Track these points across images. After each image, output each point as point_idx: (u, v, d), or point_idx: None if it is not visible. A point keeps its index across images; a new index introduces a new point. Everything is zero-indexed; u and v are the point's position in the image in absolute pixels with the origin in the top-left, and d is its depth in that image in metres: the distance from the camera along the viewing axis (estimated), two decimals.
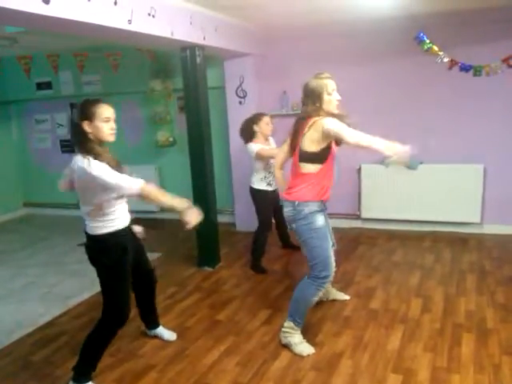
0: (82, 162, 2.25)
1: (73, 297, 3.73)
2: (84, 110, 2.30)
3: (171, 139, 5.62)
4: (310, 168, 2.62)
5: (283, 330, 2.83)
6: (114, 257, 2.42)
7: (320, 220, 2.66)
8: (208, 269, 4.20)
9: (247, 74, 4.95)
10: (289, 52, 5.04)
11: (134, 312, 2.79)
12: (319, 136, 2.53)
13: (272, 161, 3.73)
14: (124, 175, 2.30)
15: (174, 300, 3.61)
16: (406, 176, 4.82)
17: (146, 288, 2.85)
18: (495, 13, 4.07)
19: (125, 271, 2.48)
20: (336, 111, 2.61)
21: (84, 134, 2.30)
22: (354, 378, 2.51)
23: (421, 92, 4.69)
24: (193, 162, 4.08)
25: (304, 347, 2.77)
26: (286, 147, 2.80)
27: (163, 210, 5.92)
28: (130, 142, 5.86)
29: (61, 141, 6.30)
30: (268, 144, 3.99)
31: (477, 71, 4.47)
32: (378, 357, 2.69)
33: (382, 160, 4.92)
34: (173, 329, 3.09)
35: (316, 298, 2.75)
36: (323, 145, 2.56)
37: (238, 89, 5.00)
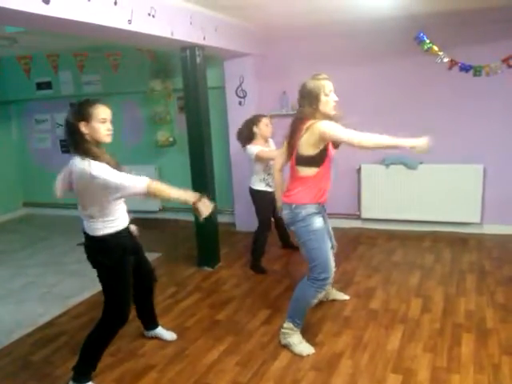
0: (81, 163, 2.23)
1: (72, 297, 3.73)
2: (80, 111, 2.28)
3: (171, 139, 5.62)
4: (307, 171, 2.62)
5: (282, 330, 2.83)
6: (115, 257, 2.42)
7: (317, 222, 2.65)
8: (208, 269, 4.20)
9: (247, 74, 4.95)
10: (289, 52, 5.04)
11: (134, 312, 2.80)
12: (315, 139, 2.52)
13: (272, 162, 3.74)
14: (127, 174, 2.28)
15: (173, 300, 3.61)
16: (406, 176, 4.83)
17: (145, 288, 2.84)
18: (495, 13, 4.08)
19: (126, 271, 2.49)
20: (333, 112, 2.59)
21: (80, 134, 2.27)
22: (353, 378, 2.51)
23: (421, 92, 4.69)
24: (193, 161, 4.08)
25: (304, 347, 2.77)
26: (284, 150, 2.80)
27: (164, 209, 5.94)
28: (130, 141, 5.86)
29: (61, 141, 6.29)
30: (268, 146, 3.99)
31: (477, 71, 4.47)
32: (377, 357, 2.69)
33: (383, 160, 4.96)
34: (172, 329, 3.09)
35: (315, 300, 2.74)
36: (320, 148, 2.55)
37: (237, 89, 5.00)
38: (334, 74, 4.93)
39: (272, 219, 4.13)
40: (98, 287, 2.50)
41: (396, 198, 4.91)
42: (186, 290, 3.79)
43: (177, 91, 5.35)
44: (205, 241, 4.23)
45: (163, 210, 5.96)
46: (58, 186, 2.48)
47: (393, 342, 2.83)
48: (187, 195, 2.46)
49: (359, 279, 3.80)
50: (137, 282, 2.72)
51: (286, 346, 2.80)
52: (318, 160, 2.58)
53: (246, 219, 5.08)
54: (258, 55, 5.02)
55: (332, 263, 2.70)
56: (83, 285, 3.85)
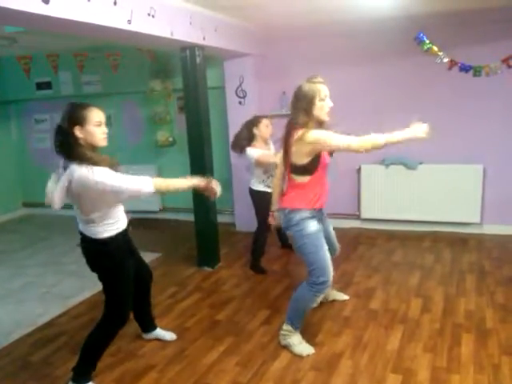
0: (80, 170, 2.15)
1: (72, 297, 3.72)
2: (74, 115, 2.22)
3: (171, 139, 5.62)
4: (301, 179, 2.61)
5: (282, 332, 2.83)
6: (116, 259, 2.42)
7: (312, 226, 2.63)
8: (208, 269, 4.20)
9: (247, 74, 4.95)
10: (289, 52, 5.04)
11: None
12: (307, 148, 2.50)
13: (272, 160, 3.74)
14: (131, 176, 2.24)
15: (173, 300, 3.61)
16: (406, 176, 4.83)
17: (142, 289, 2.82)
18: (495, 13, 4.08)
19: (128, 273, 2.49)
20: (327, 118, 2.56)
21: (75, 139, 2.21)
22: (353, 378, 2.51)
23: (420, 92, 4.69)
24: (192, 161, 4.07)
25: (303, 347, 2.77)
26: (282, 157, 2.78)
27: (164, 209, 5.94)
28: (130, 141, 5.86)
29: None
30: (268, 148, 3.98)
31: (476, 71, 4.47)
32: (377, 357, 2.69)
33: (382, 160, 4.96)
34: (172, 329, 3.09)
35: (314, 304, 2.73)
36: (312, 156, 2.53)
37: (237, 89, 5.00)
38: (334, 74, 4.94)
39: (271, 221, 4.13)
40: (98, 287, 2.51)
41: (396, 198, 4.91)
42: (186, 290, 3.79)
43: (177, 91, 5.35)
44: (205, 241, 4.23)
45: (163, 210, 5.96)
46: (56, 196, 2.26)
47: (393, 342, 2.83)
48: (194, 181, 2.45)
49: (359, 279, 3.80)
50: (136, 283, 2.72)
51: (286, 347, 2.80)
52: (310, 168, 2.57)
53: (245, 219, 5.08)
54: (258, 55, 5.02)
55: (331, 267, 2.65)
56: (83, 285, 3.85)
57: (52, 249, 4.99)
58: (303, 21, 4.25)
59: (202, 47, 3.86)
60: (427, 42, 4.47)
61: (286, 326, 2.81)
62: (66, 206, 2.31)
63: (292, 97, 2.60)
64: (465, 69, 4.49)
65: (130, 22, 2.89)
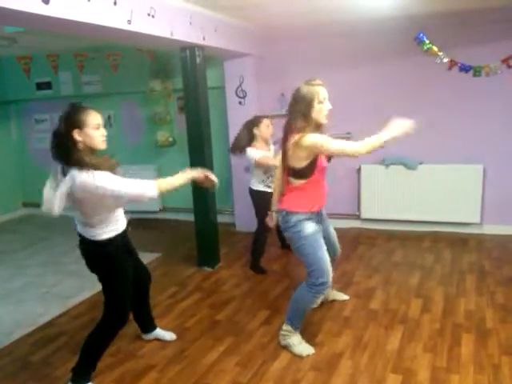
0: (81, 175, 2.13)
1: (72, 297, 3.73)
2: (73, 118, 2.20)
3: (171, 139, 5.62)
4: (298, 182, 2.62)
5: (281, 332, 2.83)
6: (115, 261, 2.42)
7: (309, 227, 2.63)
8: (208, 269, 4.20)
9: (247, 74, 4.95)
10: (289, 52, 5.04)
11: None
12: (304, 153, 2.50)
13: (271, 162, 3.75)
14: (133, 180, 2.23)
15: (173, 300, 3.61)
16: (406, 176, 4.83)
17: (140, 290, 2.82)
18: (495, 13, 4.08)
19: (127, 273, 2.49)
20: (325, 120, 2.56)
21: (73, 143, 2.19)
22: (353, 378, 2.51)
23: (420, 92, 4.69)
24: (192, 162, 4.07)
25: (303, 348, 2.77)
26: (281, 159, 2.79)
27: (164, 209, 5.94)
28: (130, 142, 5.86)
29: None
30: (268, 148, 3.98)
31: (476, 71, 4.47)
32: (377, 357, 2.69)
33: (382, 160, 4.96)
34: (172, 329, 3.09)
35: (314, 305, 2.73)
36: (308, 160, 2.53)
37: (237, 89, 5.00)
38: (334, 74, 4.95)
39: (269, 222, 4.12)
40: (98, 287, 2.51)
41: (396, 198, 4.91)
42: (186, 290, 3.79)
43: (177, 91, 5.35)
44: (205, 241, 4.23)
45: (163, 210, 5.96)
46: (56, 202, 2.21)
47: (393, 342, 2.83)
48: (193, 173, 2.45)
49: (359, 279, 3.80)
50: (135, 283, 2.72)
51: (286, 347, 2.80)
52: (307, 172, 2.57)
53: (246, 219, 5.08)
54: (258, 55, 5.02)
55: (330, 268, 2.65)
56: (83, 285, 3.85)
57: (52, 249, 4.99)
58: (303, 21, 4.25)
59: (201, 47, 3.86)
60: (427, 42, 4.47)
61: (285, 327, 2.81)
62: (66, 207, 2.30)
63: (290, 99, 2.60)
64: (465, 69, 4.49)
65: (129, 22, 2.89)
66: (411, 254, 4.33)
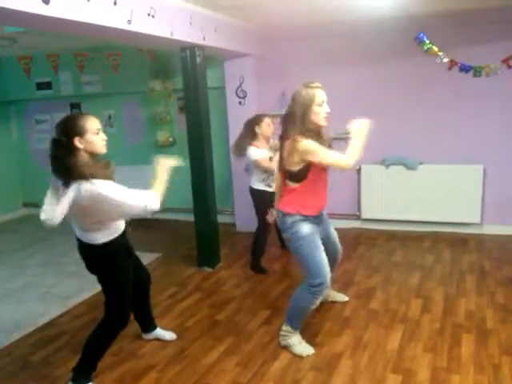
0: (86, 187, 2.12)
1: (72, 297, 3.72)
2: (72, 126, 2.19)
3: (171, 139, 5.62)
4: (293, 184, 2.63)
5: (281, 333, 2.83)
6: (115, 262, 2.42)
7: (306, 228, 2.62)
8: (208, 269, 4.20)
9: (247, 75, 4.95)
10: (289, 52, 5.04)
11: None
12: (297, 157, 2.50)
13: (269, 165, 3.76)
14: (138, 192, 2.23)
15: (173, 300, 3.61)
16: (406, 176, 4.83)
17: (141, 290, 2.82)
18: (495, 13, 4.08)
19: (126, 274, 2.49)
20: (324, 123, 2.56)
21: (75, 151, 2.18)
22: (353, 378, 2.51)
23: (420, 92, 4.69)
24: (193, 162, 4.08)
25: (303, 348, 2.77)
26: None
27: (164, 209, 5.92)
28: (130, 142, 5.86)
29: None
30: (269, 147, 3.98)
31: (476, 72, 4.47)
32: (377, 357, 2.69)
33: (382, 160, 4.96)
34: (173, 329, 3.09)
35: (313, 306, 2.72)
36: (302, 164, 2.53)
37: (237, 89, 5.00)
38: (334, 75, 4.95)
39: (269, 219, 4.13)
40: (98, 288, 2.51)
41: (396, 198, 4.91)
42: (186, 290, 3.78)
43: (177, 91, 5.35)
44: (205, 241, 4.23)
45: (163, 210, 5.94)
46: (59, 211, 2.16)
47: (393, 342, 2.83)
48: (165, 163, 2.40)
49: (359, 279, 3.80)
50: (135, 283, 2.72)
51: (286, 347, 2.80)
52: (301, 175, 2.57)
53: (246, 219, 5.08)
54: (258, 55, 5.01)
55: (327, 268, 2.65)
56: (83, 285, 3.84)
57: (52, 249, 4.99)
58: (303, 21, 4.25)
59: (201, 47, 3.86)
60: (427, 42, 4.46)
61: (285, 327, 2.81)
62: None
63: (289, 101, 2.61)
64: (465, 69, 4.49)
65: (129, 22, 2.89)
66: (411, 254, 4.33)
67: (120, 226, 2.46)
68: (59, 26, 2.70)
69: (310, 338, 2.87)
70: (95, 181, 2.14)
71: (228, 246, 4.75)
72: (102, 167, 2.26)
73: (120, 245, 2.45)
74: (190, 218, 4.35)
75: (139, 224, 5.40)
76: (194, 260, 4.31)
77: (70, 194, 2.14)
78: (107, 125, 5.81)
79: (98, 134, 2.26)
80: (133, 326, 2.94)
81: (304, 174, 2.56)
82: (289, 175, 2.62)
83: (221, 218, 4.60)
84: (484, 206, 4.69)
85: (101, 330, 2.49)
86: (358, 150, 2.48)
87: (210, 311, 3.40)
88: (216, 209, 4.30)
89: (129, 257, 2.57)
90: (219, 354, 2.82)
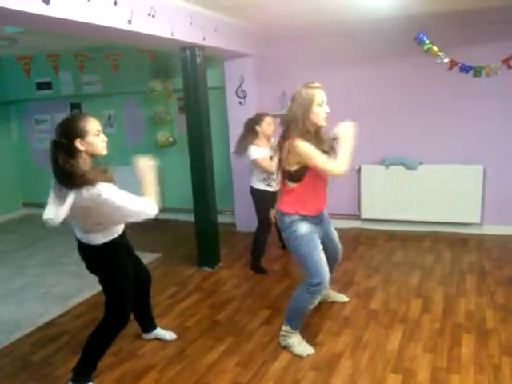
0: (88, 192, 2.12)
1: (72, 297, 3.72)
2: (73, 128, 2.19)
3: (171, 139, 5.62)
4: (291, 184, 2.64)
5: (281, 333, 2.83)
6: (115, 262, 2.42)
7: (304, 228, 2.63)
8: (208, 269, 4.20)
9: (247, 75, 4.95)
10: (289, 52, 5.04)
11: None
12: (294, 158, 2.53)
13: (267, 166, 3.76)
14: (137, 197, 2.23)
15: (173, 300, 3.61)
16: (406, 176, 4.83)
17: (141, 290, 2.82)
18: (495, 13, 4.08)
19: (127, 274, 2.49)
20: (324, 123, 2.57)
21: (76, 153, 2.17)
22: (353, 378, 2.51)
23: (420, 92, 4.69)
24: (193, 162, 4.08)
25: (303, 348, 2.77)
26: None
27: (164, 209, 5.92)
28: (130, 142, 5.86)
29: None
30: (270, 146, 3.98)
31: (477, 72, 4.47)
32: (377, 357, 2.69)
33: (382, 160, 4.96)
34: (173, 329, 3.09)
35: (312, 306, 2.73)
36: (299, 165, 2.55)
37: (238, 89, 5.00)
38: (334, 75, 4.95)
39: (273, 219, 4.13)
40: (98, 288, 2.51)
41: (396, 198, 4.91)
42: (186, 290, 3.79)
43: (177, 91, 5.35)
44: (205, 241, 4.23)
45: (163, 210, 5.93)
46: (61, 213, 2.16)
47: (393, 342, 2.83)
48: (146, 164, 2.38)
49: (359, 279, 3.80)
50: (135, 283, 2.72)
51: (286, 347, 2.80)
52: (297, 176, 2.58)
53: (246, 219, 5.08)
54: (258, 55, 5.02)
55: (325, 268, 2.65)
56: (83, 285, 3.84)
57: (52, 249, 4.99)
58: (303, 21, 4.26)
59: (202, 47, 3.86)
60: (427, 42, 4.46)
61: (284, 327, 2.81)
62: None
63: (290, 101, 2.61)
64: (465, 69, 4.49)
65: (130, 22, 2.89)
66: (411, 254, 4.33)
67: (120, 226, 2.46)
68: (59, 26, 2.70)
69: (310, 338, 2.87)
70: (97, 184, 2.13)
71: (228, 246, 4.75)
72: (103, 171, 2.26)
73: (120, 245, 2.45)
74: (190, 217, 4.35)
75: (139, 224, 5.41)
76: (194, 260, 4.31)
77: (72, 196, 2.14)
78: (107, 125, 5.82)
79: (98, 135, 2.26)
80: (133, 326, 2.94)
81: (301, 174, 2.57)
82: (287, 175, 2.63)
83: (221, 218, 4.60)
84: (484, 206, 4.69)
85: (101, 329, 2.49)
86: (347, 156, 2.51)
87: (210, 311, 3.40)
88: (216, 209, 4.30)
89: (129, 257, 2.57)
90: (219, 353, 2.82)
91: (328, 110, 2.56)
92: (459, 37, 4.45)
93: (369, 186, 4.99)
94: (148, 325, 2.99)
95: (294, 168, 2.56)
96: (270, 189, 3.92)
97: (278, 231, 4.41)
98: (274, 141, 4.01)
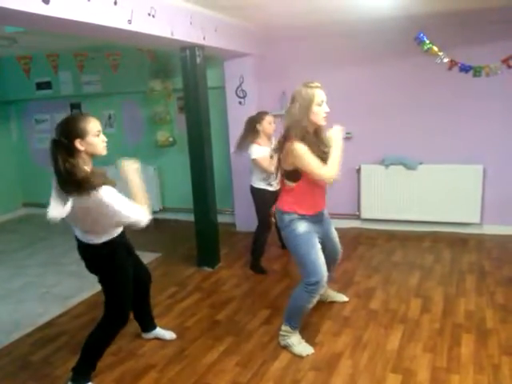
0: (91, 197, 2.12)
1: (72, 297, 3.72)
2: (73, 128, 2.19)
3: (171, 139, 5.62)
4: (289, 183, 2.65)
5: (281, 333, 2.84)
6: (115, 261, 2.42)
7: (302, 226, 2.64)
8: (208, 269, 4.20)
9: (247, 74, 4.95)
10: (289, 52, 5.04)
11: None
12: (290, 159, 2.54)
13: (267, 166, 3.76)
14: (133, 205, 2.22)
15: (173, 300, 3.61)
16: (406, 176, 4.83)
17: (141, 289, 2.82)
18: (495, 13, 4.08)
19: (127, 272, 2.49)
20: (324, 123, 2.58)
21: (76, 153, 2.18)
22: (353, 378, 2.51)
23: (420, 92, 4.69)
24: (192, 162, 4.08)
25: (303, 347, 2.77)
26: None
27: (164, 209, 5.94)
28: (130, 141, 5.86)
29: None
30: (270, 145, 3.99)
31: (476, 72, 4.47)
32: (377, 357, 2.69)
33: (382, 160, 4.96)
34: (172, 329, 3.09)
35: (311, 305, 2.73)
36: (294, 166, 2.56)
37: (237, 89, 5.00)
38: (334, 75, 4.95)
39: (273, 219, 4.13)
40: (98, 287, 2.51)
41: (396, 198, 4.91)
42: (186, 290, 3.79)
43: (177, 91, 5.35)
44: (205, 241, 4.23)
45: (163, 210, 5.96)
46: (65, 212, 2.19)
47: (392, 342, 2.83)
48: (131, 166, 2.36)
49: (359, 279, 3.80)
50: (135, 283, 2.72)
51: (286, 347, 2.80)
52: (294, 175, 2.60)
53: (246, 219, 5.08)
54: (258, 55, 5.02)
55: (323, 267, 2.65)
56: (82, 285, 3.84)
57: (52, 249, 4.99)
58: (303, 21, 4.25)
59: (202, 47, 3.86)
60: (427, 42, 4.46)
61: (284, 327, 2.82)
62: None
63: (289, 101, 2.62)
64: (465, 69, 4.49)
65: (130, 21, 2.89)
66: (411, 254, 4.33)
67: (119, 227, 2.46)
68: (59, 26, 2.70)
69: (309, 338, 2.87)
70: (99, 188, 2.13)
71: (228, 245, 4.75)
72: (103, 174, 2.26)
73: (119, 244, 2.45)
74: (190, 217, 4.36)
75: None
76: (194, 260, 4.31)
77: (72, 198, 2.15)
78: (107, 125, 5.82)
79: (98, 135, 2.25)
80: (132, 326, 2.94)
81: (296, 174, 2.59)
82: (286, 175, 2.65)
83: (221, 218, 4.60)
84: (484, 205, 4.69)
85: (100, 329, 2.49)
86: (338, 160, 2.53)
87: (209, 311, 3.40)
88: (216, 209, 4.30)
89: (129, 256, 2.57)
90: (219, 353, 2.82)
91: (327, 110, 2.57)
92: (459, 37, 4.45)
93: (369, 185, 4.99)
94: (148, 324, 3.00)
95: (290, 168, 2.59)
96: (271, 188, 3.92)
97: (278, 231, 4.41)
98: (275, 140, 4.02)
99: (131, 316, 2.67)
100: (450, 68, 4.53)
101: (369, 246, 4.60)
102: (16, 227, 6.08)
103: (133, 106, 5.81)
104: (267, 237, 4.08)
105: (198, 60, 3.86)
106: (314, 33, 4.75)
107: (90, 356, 2.49)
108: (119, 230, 2.45)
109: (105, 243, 2.36)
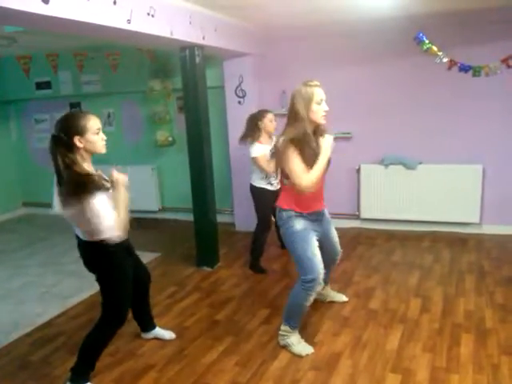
0: (93, 200, 2.12)
1: (71, 297, 3.72)
2: (73, 124, 2.19)
3: (170, 139, 5.62)
4: (288, 182, 2.65)
5: (280, 332, 2.84)
6: (114, 260, 2.41)
7: (300, 224, 2.65)
8: (207, 269, 4.20)
9: (246, 74, 4.95)
10: (288, 52, 5.04)
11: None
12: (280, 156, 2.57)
13: (265, 165, 3.76)
14: (112, 218, 2.19)
15: (172, 300, 3.61)
16: (405, 176, 4.83)
17: (140, 289, 2.82)
18: (494, 13, 4.08)
19: (127, 272, 2.49)
20: (323, 121, 2.59)
21: (74, 150, 2.18)
22: (353, 378, 2.51)
23: (420, 92, 4.69)
24: (192, 161, 4.08)
25: (303, 347, 2.77)
26: None
27: (164, 209, 5.94)
28: (130, 141, 5.86)
29: None
30: (271, 143, 3.99)
31: (476, 71, 4.48)
32: (377, 357, 2.69)
33: (382, 160, 4.96)
34: (172, 328, 3.09)
35: (308, 303, 2.73)
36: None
37: (237, 88, 5.00)
38: (334, 74, 4.95)
39: (273, 219, 4.13)
40: (97, 287, 2.50)
41: (395, 198, 4.91)
42: (185, 290, 3.78)
43: (176, 91, 5.34)
44: (204, 241, 4.23)
45: (162, 209, 5.96)
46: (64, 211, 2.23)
47: (392, 342, 2.83)
48: (119, 179, 2.33)
49: (358, 279, 3.80)
50: (135, 282, 2.72)
51: (285, 347, 2.80)
52: (286, 174, 2.61)
53: (245, 219, 5.08)
54: (258, 55, 5.02)
55: (320, 265, 2.65)
56: (82, 285, 3.84)
57: (51, 249, 4.99)
58: (303, 21, 4.25)
59: (201, 47, 3.86)
60: (427, 41, 4.46)
61: (283, 327, 2.82)
62: None
63: (289, 100, 2.62)
64: (464, 69, 4.49)
65: (129, 21, 2.89)
66: (410, 254, 4.33)
67: None
68: (59, 26, 2.70)
69: (309, 338, 2.87)
70: (96, 194, 2.12)
71: (227, 245, 4.75)
72: (99, 178, 2.25)
73: (119, 244, 2.44)
74: (190, 217, 4.36)
75: (138, 223, 5.41)
76: (193, 260, 4.31)
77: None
78: (106, 123, 5.82)
79: (98, 133, 2.26)
80: (132, 326, 2.94)
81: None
82: (284, 173, 2.65)
83: (220, 218, 4.60)
84: (483, 205, 4.69)
85: (98, 329, 2.49)
86: (320, 168, 2.53)
87: (209, 311, 3.40)
88: (215, 208, 4.30)
89: (129, 256, 2.57)
90: (218, 353, 2.82)
91: (327, 109, 2.57)
92: (458, 36, 4.46)
93: (368, 185, 4.99)
94: (147, 324, 2.99)
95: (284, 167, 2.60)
96: (271, 187, 3.92)
97: (278, 231, 4.41)
98: (276, 138, 4.02)
99: (130, 316, 2.67)
100: (450, 68, 4.53)
101: (368, 246, 4.60)
102: (15, 227, 6.08)
103: (132, 106, 5.80)
104: (266, 236, 4.08)
105: (198, 60, 3.86)
106: (314, 33, 4.75)
107: (88, 356, 2.48)
108: None
109: (103, 241, 2.35)
